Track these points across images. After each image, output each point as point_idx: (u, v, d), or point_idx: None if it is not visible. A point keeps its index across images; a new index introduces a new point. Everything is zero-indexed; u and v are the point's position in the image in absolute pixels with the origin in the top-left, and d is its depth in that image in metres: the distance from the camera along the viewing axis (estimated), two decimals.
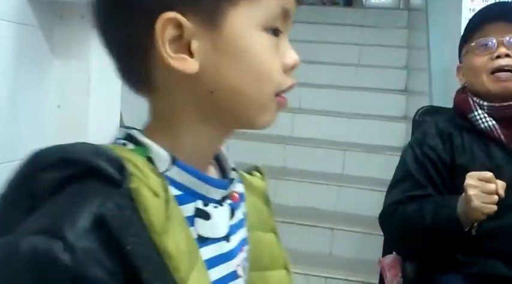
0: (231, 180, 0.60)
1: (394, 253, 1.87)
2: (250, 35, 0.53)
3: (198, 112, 0.54)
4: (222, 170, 0.63)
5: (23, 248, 0.42)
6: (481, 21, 1.51)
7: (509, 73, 1.45)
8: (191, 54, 0.51)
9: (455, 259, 1.45)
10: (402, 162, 1.56)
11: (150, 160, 0.52)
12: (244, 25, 0.52)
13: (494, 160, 1.42)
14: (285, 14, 0.56)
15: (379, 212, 2.12)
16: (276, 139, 3.23)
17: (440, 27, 2.87)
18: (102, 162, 0.47)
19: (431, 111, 1.95)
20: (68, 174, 0.47)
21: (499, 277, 1.39)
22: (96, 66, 1.37)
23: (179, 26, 0.50)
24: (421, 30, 3.37)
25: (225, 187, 0.58)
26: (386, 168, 2.83)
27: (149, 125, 0.56)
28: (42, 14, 1.35)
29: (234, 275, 0.60)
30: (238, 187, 0.63)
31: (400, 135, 3.13)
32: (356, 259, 2.54)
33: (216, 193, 0.57)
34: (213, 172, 0.61)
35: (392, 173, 1.59)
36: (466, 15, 2.11)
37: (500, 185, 1.28)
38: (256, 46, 0.53)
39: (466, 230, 1.35)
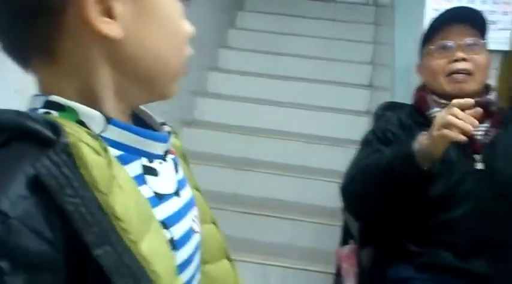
0: (169, 133, 0.59)
1: (350, 244, 1.92)
2: (168, 1, 0.52)
3: (114, 83, 0.52)
4: (149, 128, 0.61)
5: None
6: (441, 23, 1.55)
7: (464, 75, 1.50)
8: (114, 18, 0.49)
9: (407, 249, 1.50)
10: (362, 142, 1.61)
11: (81, 124, 0.48)
12: None
13: (448, 155, 1.47)
14: None
15: (338, 203, 2.16)
16: (239, 130, 3.24)
17: (406, 25, 2.91)
18: (31, 123, 0.44)
19: (392, 106, 2.00)
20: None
21: (447, 267, 1.45)
22: None
23: None
24: (387, 26, 3.42)
25: (165, 141, 0.56)
26: (347, 161, 2.88)
27: (62, 91, 0.51)
28: None
29: (191, 231, 0.59)
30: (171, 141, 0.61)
31: (363, 129, 3.14)
32: (315, 249, 2.58)
33: (158, 148, 0.55)
34: None
35: None
36: (430, 15, 2.16)
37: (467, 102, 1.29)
38: (174, 11, 0.53)
39: (422, 167, 1.35)
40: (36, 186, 0.41)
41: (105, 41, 0.48)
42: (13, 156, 0.43)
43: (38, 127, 0.43)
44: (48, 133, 0.43)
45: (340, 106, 3.44)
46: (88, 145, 0.44)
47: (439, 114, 1.32)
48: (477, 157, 1.48)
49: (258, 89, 3.56)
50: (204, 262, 0.66)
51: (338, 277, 1.94)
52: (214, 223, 0.73)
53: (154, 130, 0.60)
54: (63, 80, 0.50)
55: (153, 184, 0.53)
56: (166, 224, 0.53)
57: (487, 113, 1.51)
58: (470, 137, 1.48)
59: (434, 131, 1.30)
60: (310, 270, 2.43)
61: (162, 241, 0.50)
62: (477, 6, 2.10)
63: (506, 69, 2.17)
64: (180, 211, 0.56)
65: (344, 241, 1.98)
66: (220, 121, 3.38)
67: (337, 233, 2.08)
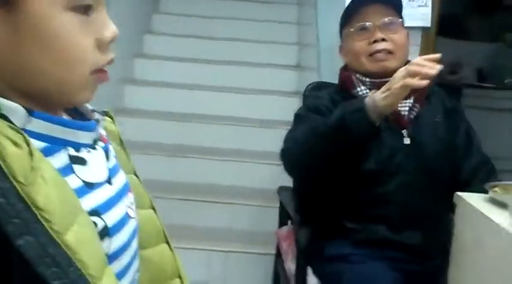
0: (97, 121, 0.59)
1: (289, 224, 1.96)
2: (54, 17, 0.50)
3: (12, 89, 0.51)
4: (80, 114, 0.61)
5: None
6: (357, 5, 1.60)
7: (385, 53, 1.56)
8: None
9: (343, 226, 1.54)
10: (297, 119, 1.62)
11: (3, 117, 0.48)
12: (45, 8, 0.49)
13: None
14: None
15: (275, 184, 2.19)
16: (170, 117, 3.20)
17: (327, 4, 2.96)
18: None
19: (320, 86, 2.04)
20: None
21: (382, 241, 1.51)
22: None
23: None
24: (310, 6, 3.46)
25: (92, 129, 0.57)
26: (279, 141, 2.92)
27: None
28: None
29: (126, 217, 0.59)
30: (102, 130, 0.62)
31: (293, 109, 3.20)
32: (254, 231, 2.61)
33: (86, 137, 0.55)
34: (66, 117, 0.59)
35: None
36: None
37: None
38: (62, 29, 0.51)
39: (375, 123, 1.35)
40: None
41: None
42: None
43: None
44: None
45: (269, 88, 3.47)
46: (7, 137, 0.44)
47: (398, 71, 1.33)
48: (404, 132, 1.54)
49: (186, 74, 3.52)
50: (142, 247, 0.67)
51: (278, 258, 1.97)
52: (153, 208, 0.73)
53: (85, 117, 0.60)
54: None
55: (82, 173, 0.53)
56: (98, 211, 0.53)
57: (412, 89, 1.57)
58: (397, 113, 1.54)
59: (394, 85, 1.31)
60: (251, 252, 2.46)
61: (90, 231, 0.50)
62: None
63: (427, 45, 2.26)
64: (112, 199, 0.57)
65: (282, 222, 2.02)
66: (150, 108, 3.32)
67: (275, 214, 2.11)
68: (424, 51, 2.24)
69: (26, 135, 0.47)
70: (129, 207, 0.61)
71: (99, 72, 0.56)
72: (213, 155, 2.96)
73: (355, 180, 1.52)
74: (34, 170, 0.44)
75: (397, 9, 1.62)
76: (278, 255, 1.98)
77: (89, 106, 0.61)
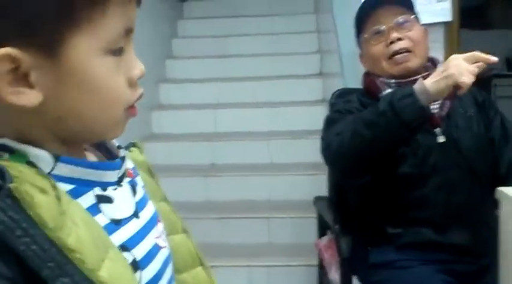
0: (122, 158, 0.60)
1: (329, 233, 1.94)
2: (92, 62, 0.51)
3: (52, 134, 0.53)
4: (107, 150, 0.63)
5: None
6: (367, 10, 1.58)
7: (404, 54, 1.53)
8: (30, 85, 0.49)
9: (386, 232, 1.51)
10: (328, 123, 1.58)
11: (31, 164, 0.51)
12: (85, 53, 0.50)
13: None
14: (128, 32, 0.54)
15: (310, 195, 2.17)
16: (200, 137, 3.22)
17: (345, 10, 2.95)
18: None
19: (346, 93, 2.02)
20: None
21: (427, 243, 1.47)
22: None
23: (14, 59, 0.47)
24: (327, 13, 3.46)
25: (118, 167, 0.58)
26: (311, 151, 2.89)
27: (15, 134, 0.53)
28: None
29: (156, 248, 0.61)
30: (129, 164, 0.63)
31: (320, 118, 3.18)
32: (294, 244, 2.59)
33: (111, 176, 0.57)
34: (90, 157, 0.61)
35: (318, 155, 1.62)
36: None
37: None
38: (100, 72, 0.52)
39: (422, 104, 1.31)
40: None
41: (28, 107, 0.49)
42: None
43: None
44: None
45: (295, 99, 3.47)
46: (34, 185, 0.46)
47: (454, 59, 1.31)
48: (437, 130, 1.51)
49: (211, 94, 3.55)
50: (177, 271, 0.69)
51: (321, 268, 1.95)
52: (185, 232, 0.74)
53: (112, 154, 0.62)
54: (9, 129, 0.52)
55: (108, 212, 0.55)
56: (126, 246, 0.55)
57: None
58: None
59: (448, 71, 1.28)
60: (293, 265, 2.44)
61: (123, 266, 0.52)
62: None
63: (451, 40, 2.22)
64: (140, 232, 0.59)
65: (321, 232, 2.00)
66: (178, 131, 3.35)
67: (313, 225, 2.09)
68: (448, 47, 2.21)
69: (52, 180, 0.49)
70: (159, 237, 0.62)
71: (130, 108, 0.58)
72: (246, 171, 2.97)
73: (392, 185, 1.50)
74: (62, 214, 0.47)
75: (408, 5, 1.59)
76: (321, 266, 1.96)
77: (116, 142, 0.63)
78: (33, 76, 0.49)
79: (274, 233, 2.67)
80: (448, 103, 1.54)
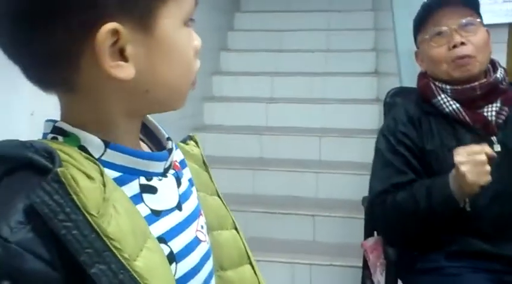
0: (170, 150, 0.61)
1: (375, 235, 1.90)
2: (177, 32, 0.55)
3: (128, 109, 0.55)
4: (158, 141, 0.64)
5: None
6: (431, 8, 1.51)
7: (467, 59, 1.47)
8: (125, 59, 0.51)
9: (435, 238, 1.47)
10: (378, 151, 1.57)
11: (83, 149, 0.52)
12: (172, 24, 0.54)
13: (463, 143, 1.44)
14: (196, 4, 0.58)
15: (358, 195, 2.14)
16: (251, 130, 3.23)
17: (405, 8, 2.88)
18: (31, 153, 0.48)
19: (401, 92, 1.98)
20: (2, 170, 0.47)
21: (479, 253, 1.42)
22: None
23: (115, 33, 0.49)
24: (386, 11, 3.39)
25: (165, 159, 0.59)
26: (362, 151, 2.85)
27: (74, 116, 0.55)
28: None
29: (196, 241, 0.61)
30: (177, 156, 0.64)
31: (373, 117, 3.16)
32: (339, 243, 2.56)
33: (157, 166, 0.58)
34: (144, 147, 0.62)
35: (369, 155, 1.61)
36: None
37: (489, 152, 1.30)
38: (182, 42, 0.56)
39: (461, 206, 1.36)
40: (33, 213, 0.45)
41: (119, 80, 0.51)
42: (15, 186, 0.47)
43: (37, 157, 0.48)
44: (46, 162, 0.48)
45: (348, 97, 3.42)
46: (81, 170, 0.48)
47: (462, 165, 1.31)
48: (494, 139, 1.45)
49: (264, 88, 3.55)
50: (222, 268, 0.68)
51: (365, 270, 1.92)
52: (236, 228, 0.73)
53: (161, 145, 0.63)
54: (80, 107, 0.54)
55: (150, 202, 0.56)
56: (164, 238, 0.56)
57: (497, 92, 1.48)
58: (484, 119, 1.45)
59: (465, 179, 1.30)
60: (337, 265, 2.42)
61: (159, 257, 0.52)
62: None
63: None
64: (181, 224, 0.59)
65: (368, 233, 1.96)
66: (230, 123, 3.37)
67: (360, 225, 2.06)
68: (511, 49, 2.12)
69: (101, 165, 0.50)
70: (199, 231, 0.62)
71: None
72: (295, 167, 2.95)
73: None
74: (106, 201, 0.48)
75: (474, 7, 1.52)
76: (365, 267, 1.93)
77: (165, 133, 0.64)
78: (128, 50, 0.51)
79: (320, 231, 2.65)
80: (505, 109, 1.48)
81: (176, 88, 0.57)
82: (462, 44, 1.46)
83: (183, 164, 0.65)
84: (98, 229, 0.46)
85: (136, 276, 0.47)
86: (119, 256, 0.46)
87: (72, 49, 0.50)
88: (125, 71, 0.51)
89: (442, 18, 1.49)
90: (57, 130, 0.54)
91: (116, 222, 0.47)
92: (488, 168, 1.29)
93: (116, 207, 0.48)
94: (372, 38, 3.87)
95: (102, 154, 0.53)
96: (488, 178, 1.29)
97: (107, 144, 0.53)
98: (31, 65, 0.53)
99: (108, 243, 0.46)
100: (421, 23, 1.55)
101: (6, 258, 0.43)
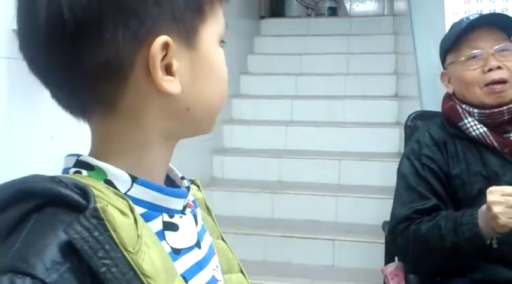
0: (188, 188, 0.60)
1: (396, 260, 1.87)
2: (215, 50, 0.55)
3: (168, 128, 0.54)
4: (170, 181, 0.63)
5: None
6: (467, 29, 1.48)
7: (502, 84, 1.44)
8: (172, 74, 0.51)
9: (459, 265, 1.44)
10: (401, 175, 1.53)
11: (109, 183, 0.51)
12: (211, 41, 0.54)
13: (490, 167, 1.41)
14: (227, 26, 0.58)
15: (379, 220, 2.11)
16: (270, 154, 3.23)
17: (426, 31, 2.89)
18: (63, 189, 0.46)
19: (422, 116, 1.96)
20: (29, 207, 0.46)
21: (503, 281, 1.38)
22: None
23: (165, 47, 0.49)
24: (407, 35, 3.39)
25: (185, 196, 0.58)
26: (382, 174, 2.83)
27: (98, 148, 0.54)
28: None
29: (213, 280, 0.60)
30: (190, 196, 0.63)
31: (394, 140, 3.14)
32: (359, 268, 2.53)
33: (178, 204, 0.57)
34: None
35: (389, 179, 1.59)
36: (450, 19, 2.13)
37: None
38: (220, 61, 0.56)
39: (487, 243, 1.33)
40: (69, 250, 0.43)
41: (164, 95, 0.51)
42: (47, 222, 0.45)
43: (69, 193, 0.46)
44: (79, 198, 0.46)
45: (368, 120, 3.41)
46: (115, 207, 0.47)
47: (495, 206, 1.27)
48: None
49: (284, 111, 3.56)
50: None
51: None
52: (242, 271, 0.73)
53: (175, 184, 0.62)
54: (118, 130, 0.53)
55: (171, 240, 0.55)
56: (185, 277, 0.55)
57: None
58: None
59: (498, 220, 1.26)
60: None
61: None
62: (499, 3, 2.07)
63: None
64: (200, 263, 0.58)
65: (389, 258, 1.93)
66: (249, 146, 3.38)
67: (380, 250, 2.03)
68: None
69: (130, 201, 0.49)
70: (215, 270, 0.62)
71: None
72: (314, 190, 2.94)
73: None
74: (140, 238, 0.47)
75: (508, 31, 1.49)
76: None
77: (179, 173, 0.63)
78: (175, 66, 0.51)
79: (339, 256, 2.62)
80: None
81: (213, 108, 0.57)
82: (498, 68, 1.44)
83: (195, 204, 0.65)
84: (135, 267, 0.45)
85: None
86: None
87: (122, 61, 0.48)
88: (174, 85, 0.51)
89: (478, 41, 1.46)
90: (80, 164, 0.52)
91: (149, 259, 0.46)
92: None
93: (147, 243, 0.47)
94: (392, 61, 3.87)
95: (129, 189, 0.52)
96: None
97: (134, 179, 0.52)
98: (70, 84, 0.50)
99: (145, 281, 0.45)
100: (453, 43, 1.51)
101: None
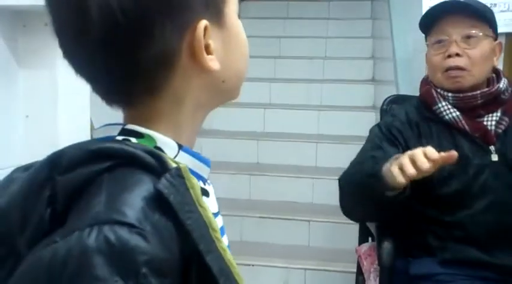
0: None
1: (370, 241, 1.91)
2: (237, 23, 0.60)
3: (205, 101, 0.60)
4: None
5: (90, 242, 0.42)
6: (436, 15, 1.51)
7: (459, 70, 1.46)
8: (211, 53, 0.55)
9: (428, 244, 1.48)
10: (368, 138, 1.59)
11: (159, 150, 0.54)
12: (234, 15, 0.60)
13: (461, 150, 1.44)
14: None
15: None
16: (248, 136, 3.25)
17: (403, 17, 2.91)
18: (140, 151, 0.49)
19: (398, 99, 2.00)
20: (100, 167, 0.48)
21: (473, 261, 1.42)
22: (63, 75, 1.36)
23: (205, 30, 0.54)
24: (384, 20, 3.42)
25: (209, 166, 0.62)
26: None
27: (141, 120, 0.55)
28: (4, 24, 1.33)
29: (229, 246, 0.63)
30: None
31: (370, 124, 3.13)
32: (334, 249, 2.57)
33: (207, 172, 0.61)
34: None
35: None
36: (427, 4, 2.16)
37: (435, 157, 1.20)
38: (241, 31, 0.61)
39: (395, 192, 1.31)
40: (155, 204, 0.46)
41: (205, 73, 0.56)
42: (125, 179, 0.48)
43: (145, 154, 0.49)
44: (152, 159, 0.49)
45: (345, 104, 3.44)
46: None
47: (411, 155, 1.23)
48: (492, 148, 1.46)
49: (262, 94, 3.56)
50: None
51: (359, 276, 1.93)
52: None
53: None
54: (158, 111, 0.56)
55: (208, 205, 0.58)
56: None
57: (498, 101, 1.49)
58: (484, 129, 1.45)
59: (392, 166, 1.25)
60: (331, 270, 2.43)
61: (228, 251, 0.55)
62: None
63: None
64: (223, 228, 0.63)
65: (363, 239, 1.98)
66: (227, 128, 3.39)
67: (355, 231, 2.07)
68: (508, 58, 2.14)
69: (184, 165, 0.51)
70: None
71: None
72: (292, 172, 2.97)
73: (438, 203, 1.46)
74: (201, 196, 0.51)
75: (483, 17, 1.48)
76: (359, 273, 1.94)
77: None
78: (212, 45, 0.55)
79: (315, 236, 2.66)
80: (506, 119, 1.48)
81: (242, 76, 0.62)
82: (457, 55, 1.46)
83: None
84: (207, 222, 0.49)
85: (230, 265, 0.51)
86: (219, 246, 0.50)
87: (171, 51, 0.52)
88: (215, 63, 0.55)
89: (446, 26, 1.48)
90: (128, 132, 0.54)
91: (210, 216, 0.50)
92: (410, 171, 1.20)
93: (204, 202, 0.51)
94: (369, 46, 3.90)
95: (175, 156, 0.55)
96: (401, 179, 1.22)
97: (180, 147, 0.56)
98: (121, 77, 0.53)
99: (212, 234, 0.49)
100: (428, 26, 1.54)
101: (145, 245, 0.43)
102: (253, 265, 2.43)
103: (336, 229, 2.63)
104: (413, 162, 1.20)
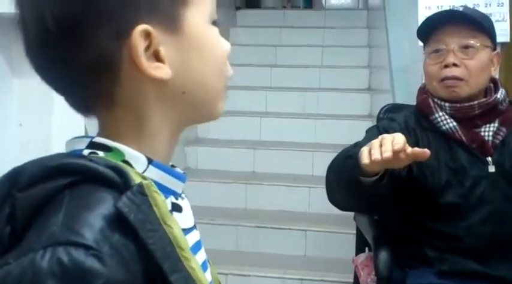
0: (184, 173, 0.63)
1: (367, 251, 1.90)
2: (205, 30, 0.56)
3: (172, 115, 0.56)
4: None
5: (44, 265, 0.41)
6: (435, 24, 1.50)
7: (455, 80, 1.45)
8: (161, 61, 0.52)
9: (425, 255, 1.47)
10: (364, 137, 1.55)
11: (127, 164, 0.52)
12: (198, 23, 0.55)
13: (458, 161, 1.43)
14: (217, 6, 0.59)
15: (351, 211, 2.14)
16: (244, 144, 3.23)
17: (399, 26, 2.92)
18: (101, 167, 0.48)
19: (394, 108, 1.99)
20: (61, 183, 0.46)
21: (470, 273, 1.41)
22: None
23: (148, 36, 0.51)
24: (380, 29, 3.42)
25: (184, 180, 0.60)
26: None
27: (114, 133, 0.54)
28: None
29: (205, 263, 0.62)
30: None
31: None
32: (330, 258, 2.55)
33: (180, 187, 0.59)
34: None
35: None
36: (423, 13, 2.16)
37: (397, 148, 1.17)
38: (212, 39, 0.57)
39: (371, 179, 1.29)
40: (115, 224, 0.45)
41: (157, 82, 0.52)
42: (86, 197, 0.46)
43: (107, 170, 0.48)
44: (115, 176, 0.48)
45: (342, 112, 3.44)
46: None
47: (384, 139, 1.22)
48: (489, 159, 1.45)
49: (258, 102, 3.56)
50: None
51: None
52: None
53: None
54: (122, 122, 0.54)
55: (179, 220, 0.56)
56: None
57: (495, 112, 1.48)
58: (481, 139, 1.44)
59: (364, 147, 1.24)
60: (328, 281, 2.41)
61: (199, 267, 0.53)
62: None
63: (508, 61, 2.15)
64: (198, 243, 0.60)
65: (360, 249, 1.96)
66: (223, 137, 3.38)
67: (352, 241, 2.06)
68: (504, 68, 2.14)
69: (150, 181, 0.50)
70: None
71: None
72: (288, 182, 2.95)
73: (435, 214, 1.44)
74: (167, 213, 0.49)
75: (482, 27, 1.46)
76: (356, 283, 1.93)
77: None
78: (162, 52, 0.52)
79: (311, 246, 2.64)
80: (503, 130, 1.47)
81: (209, 88, 0.57)
82: (454, 65, 1.45)
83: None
84: (173, 241, 0.47)
85: None
86: (186, 265, 0.48)
87: (110, 56, 0.50)
88: (163, 71, 0.52)
89: (444, 36, 1.47)
90: (95, 146, 0.53)
91: (178, 233, 0.49)
92: (375, 155, 1.18)
93: (172, 219, 0.50)
94: (366, 55, 3.91)
95: (144, 171, 0.53)
96: (365, 161, 1.20)
97: (149, 161, 0.54)
98: (68, 83, 0.53)
99: (180, 254, 0.48)
100: (425, 36, 1.53)
101: (101, 268, 0.42)
102: (249, 275, 2.41)
103: (332, 238, 2.61)
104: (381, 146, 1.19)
